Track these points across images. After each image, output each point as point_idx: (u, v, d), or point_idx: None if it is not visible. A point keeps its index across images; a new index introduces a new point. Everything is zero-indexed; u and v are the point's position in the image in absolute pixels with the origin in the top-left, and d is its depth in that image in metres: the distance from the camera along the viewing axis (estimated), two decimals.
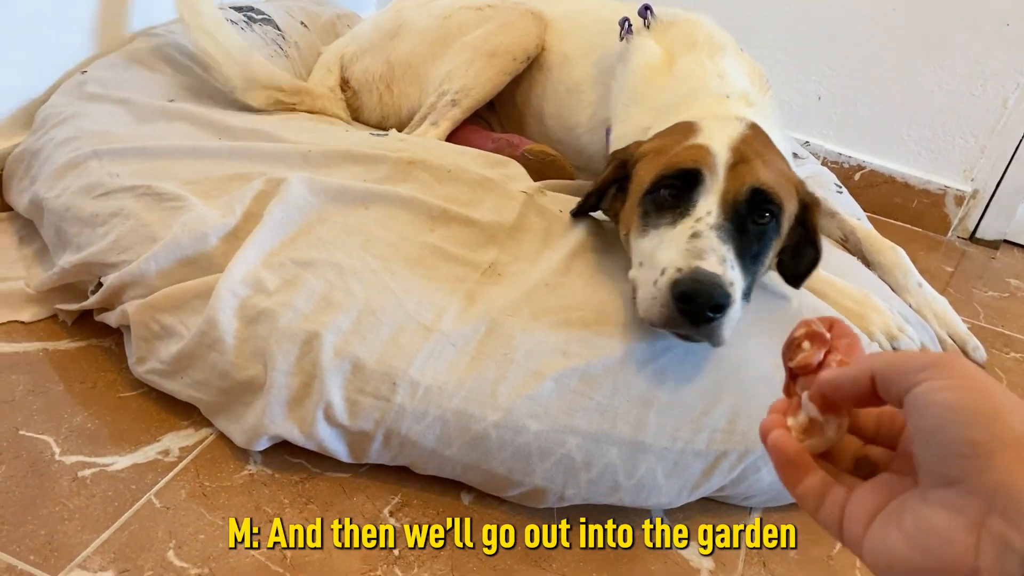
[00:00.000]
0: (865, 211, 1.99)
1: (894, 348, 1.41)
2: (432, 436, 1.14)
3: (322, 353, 1.15)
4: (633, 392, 1.17)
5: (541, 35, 1.85)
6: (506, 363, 1.17)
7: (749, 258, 1.15)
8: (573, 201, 1.45)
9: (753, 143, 1.22)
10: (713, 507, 1.26)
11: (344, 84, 1.95)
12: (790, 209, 1.22)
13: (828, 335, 0.60)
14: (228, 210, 1.32)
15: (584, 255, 1.35)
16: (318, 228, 1.33)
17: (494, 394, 1.14)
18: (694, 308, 1.05)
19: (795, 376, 0.60)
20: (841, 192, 2.02)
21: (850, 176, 2.48)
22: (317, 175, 1.42)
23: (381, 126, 1.92)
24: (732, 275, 1.09)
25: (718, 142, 1.20)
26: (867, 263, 1.71)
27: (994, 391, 0.45)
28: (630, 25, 1.64)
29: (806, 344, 0.60)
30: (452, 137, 1.81)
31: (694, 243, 1.10)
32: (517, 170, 1.59)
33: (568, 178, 1.71)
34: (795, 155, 2.15)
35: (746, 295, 1.15)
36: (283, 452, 1.22)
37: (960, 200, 2.42)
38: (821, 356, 0.59)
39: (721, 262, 1.08)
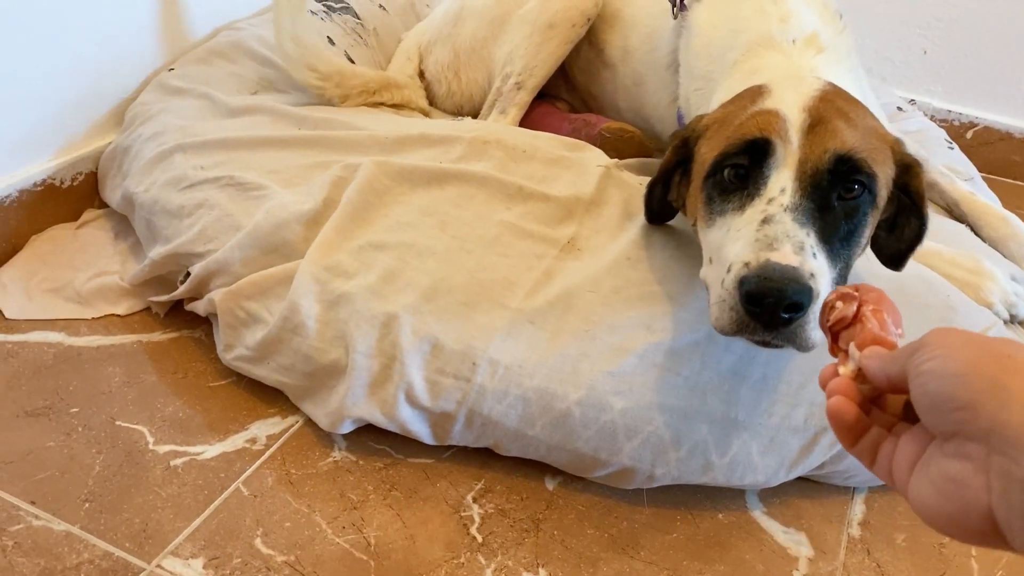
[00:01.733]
0: (979, 171, 1.85)
1: (1012, 316, 1.30)
2: (514, 416, 1.11)
3: (401, 334, 1.14)
4: (723, 366, 1.11)
5: None
6: (587, 339, 1.13)
7: (838, 240, 0.98)
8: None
9: (834, 100, 1.04)
10: (812, 489, 1.19)
11: (420, 75, 1.93)
12: (885, 175, 1.03)
13: (856, 293, 0.67)
14: (308, 197, 1.33)
15: (666, 227, 1.29)
16: (395, 210, 1.32)
17: (576, 371, 1.11)
18: (765, 310, 0.89)
19: (836, 336, 0.67)
20: (952, 148, 1.88)
21: (961, 134, 2.32)
22: (391, 158, 1.40)
23: (456, 116, 1.88)
24: (813, 264, 0.91)
25: (789, 103, 1.02)
26: (977, 235, 1.58)
27: (970, 351, 0.51)
28: (682, 0, 1.51)
29: (839, 304, 0.67)
30: (527, 122, 1.75)
31: (765, 230, 0.93)
32: (593, 152, 1.52)
33: (647, 155, 1.65)
34: (899, 108, 2.02)
35: (838, 284, 0.98)
36: (367, 439, 1.21)
37: None
38: (854, 309, 0.65)
39: (798, 250, 0.91)
